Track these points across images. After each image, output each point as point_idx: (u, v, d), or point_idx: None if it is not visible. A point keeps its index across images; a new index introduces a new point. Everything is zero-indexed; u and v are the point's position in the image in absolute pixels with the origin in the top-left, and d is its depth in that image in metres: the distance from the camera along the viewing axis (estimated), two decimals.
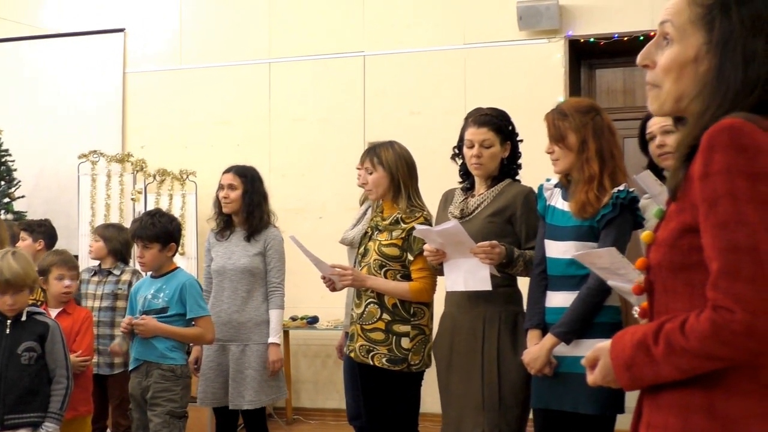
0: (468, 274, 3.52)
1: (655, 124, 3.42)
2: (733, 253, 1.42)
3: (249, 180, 4.82)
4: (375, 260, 3.89)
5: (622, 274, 2.78)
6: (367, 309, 3.87)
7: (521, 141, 3.78)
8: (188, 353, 4.62)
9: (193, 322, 4.32)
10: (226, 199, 4.79)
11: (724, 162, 1.44)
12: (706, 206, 1.46)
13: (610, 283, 2.89)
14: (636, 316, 2.62)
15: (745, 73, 1.52)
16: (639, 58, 1.69)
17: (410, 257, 3.84)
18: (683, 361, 1.47)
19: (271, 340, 4.73)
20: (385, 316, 3.83)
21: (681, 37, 1.61)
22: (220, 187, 4.83)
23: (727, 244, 1.43)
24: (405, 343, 3.79)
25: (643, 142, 3.57)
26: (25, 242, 5.54)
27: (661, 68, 1.63)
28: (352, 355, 3.91)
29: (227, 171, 4.87)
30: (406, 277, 3.85)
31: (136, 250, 4.44)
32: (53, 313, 4.38)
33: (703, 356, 1.45)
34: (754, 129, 1.45)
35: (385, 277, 3.86)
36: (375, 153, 3.97)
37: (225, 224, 4.88)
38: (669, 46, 1.62)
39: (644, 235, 1.68)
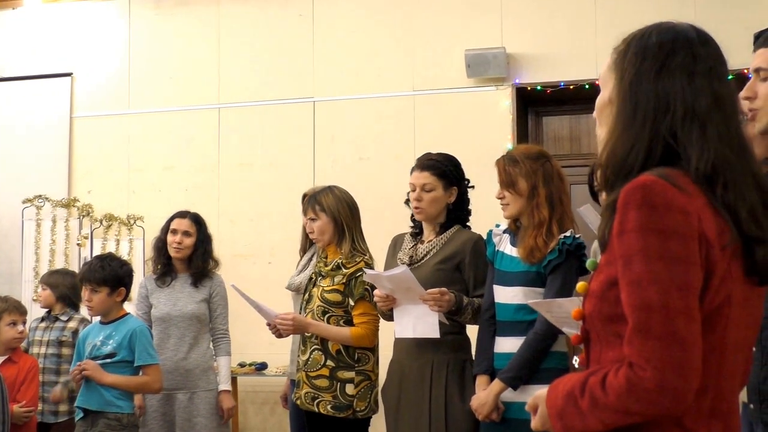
0: (417, 320, 3.52)
1: None
2: (645, 311, 1.44)
3: (203, 227, 4.84)
4: (318, 306, 3.87)
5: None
6: (311, 356, 3.84)
7: (472, 187, 3.80)
8: None
9: (141, 371, 4.21)
10: (179, 245, 4.73)
11: (636, 220, 1.47)
12: (622, 263, 1.49)
13: (565, 329, 2.90)
14: (576, 365, 2.64)
15: (642, 105, 1.57)
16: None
17: (351, 302, 3.83)
18: (605, 415, 1.49)
19: (222, 387, 4.71)
20: (330, 362, 3.80)
21: (604, 85, 1.69)
22: (173, 231, 4.76)
23: (640, 302, 1.45)
24: (350, 389, 3.77)
25: (593, 187, 3.62)
26: None
27: (595, 115, 1.70)
28: (298, 402, 3.87)
29: (182, 216, 4.82)
30: (349, 322, 3.84)
31: (84, 293, 4.35)
32: None
33: (622, 411, 1.47)
34: (666, 187, 1.48)
35: (328, 323, 3.84)
36: (316, 200, 3.97)
37: (166, 269, 4.81)
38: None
39: (579, 285, 1.70)
